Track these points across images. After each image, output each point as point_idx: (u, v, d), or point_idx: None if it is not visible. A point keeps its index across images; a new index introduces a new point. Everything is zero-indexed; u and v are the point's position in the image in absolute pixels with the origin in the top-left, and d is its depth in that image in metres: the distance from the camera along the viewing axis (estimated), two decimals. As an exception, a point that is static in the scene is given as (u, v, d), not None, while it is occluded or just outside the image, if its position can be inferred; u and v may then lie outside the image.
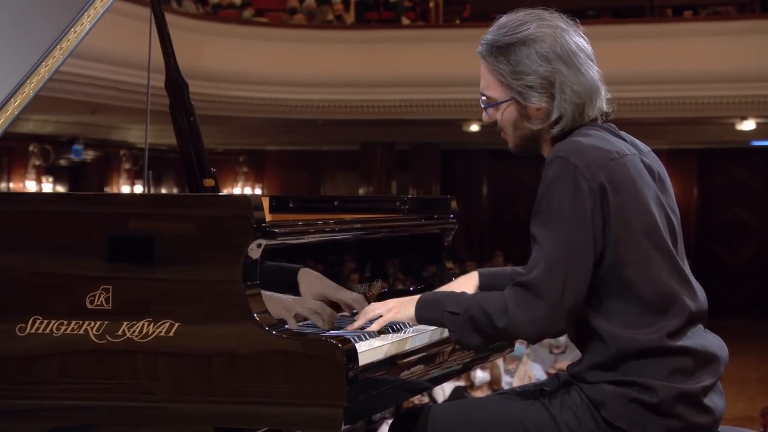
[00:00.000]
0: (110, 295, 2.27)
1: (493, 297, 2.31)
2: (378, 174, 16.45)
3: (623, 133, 2.43)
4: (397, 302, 2.47)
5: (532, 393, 2.44)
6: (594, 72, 2.37)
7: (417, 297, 2.44)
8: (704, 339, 2.34)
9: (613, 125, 2.43)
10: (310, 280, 2.59)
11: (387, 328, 2.51)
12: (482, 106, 2.44)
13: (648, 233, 2.28)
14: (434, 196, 14.85)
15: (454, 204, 3.25)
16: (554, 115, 2.35)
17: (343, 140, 16.82)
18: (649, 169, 2.37)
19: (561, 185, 2.24)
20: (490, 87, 2.41)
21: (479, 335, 2.30)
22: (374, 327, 2.45)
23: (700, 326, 2.36)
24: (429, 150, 17.02)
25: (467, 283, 2.66)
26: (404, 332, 2.51)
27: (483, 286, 2.68)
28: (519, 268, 2.69)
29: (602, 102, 2.40)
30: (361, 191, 16.30)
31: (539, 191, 2.28)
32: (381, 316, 2.46)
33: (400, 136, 15.89)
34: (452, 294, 2.43)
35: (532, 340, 2.34)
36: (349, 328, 2.49)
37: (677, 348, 2.27)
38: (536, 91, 2.34)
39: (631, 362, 2.27)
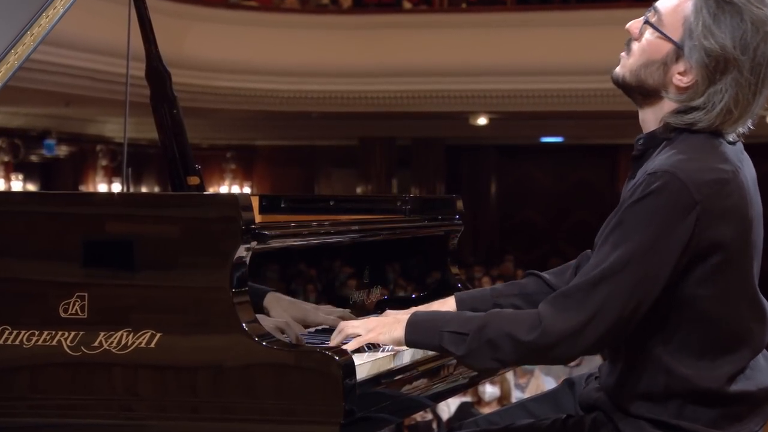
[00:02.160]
0: (86, 303, 2.27)
1: (517, 313, 2.24)
2: (377, 172, 16.45)
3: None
4: (378, 322, 2.39)
5: (552, 427, 2.41)
6: (763, 100, 2.22)
7: (402, 317, 2.37)
8: (763, 373, 2.27)
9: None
10: (282, 305, 2.52)
11: (364, 346, 2.44)
12: (645, 17, 2.26)
13: (744, 269, 2.20)
14: (438, 195, 14.85)
15: (459, 204, 3.25)
16: (697, 100, 2.20)
17: (339, 135, 16.82)
18: (751, 178, 2.25)
19: (662, 200, 2.12)
20: (672, 15, 2.22)
21: (494, 357, 2.21)
22: (349, 347, 2.33)
23: (762, 354, 2.30)
24: (433, 146, 17.03)
25: (439, 308, 2.60)
26: (383, 349, 2.48)
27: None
28: (499, 286, 2.67)
29: (747, 122, 2.25)
30: (358, 190, 16.30)
31: (631, 195, 2.16)
32: (359, 336, 2.37)
33: (401, 130, 15.90)
34: (448, 313, 2.36)
35: (560, 357, 2.21)
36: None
37: (735, 395, 2.21)
38: (705, 60, 2.18)
39: (681, 402, 2.21)
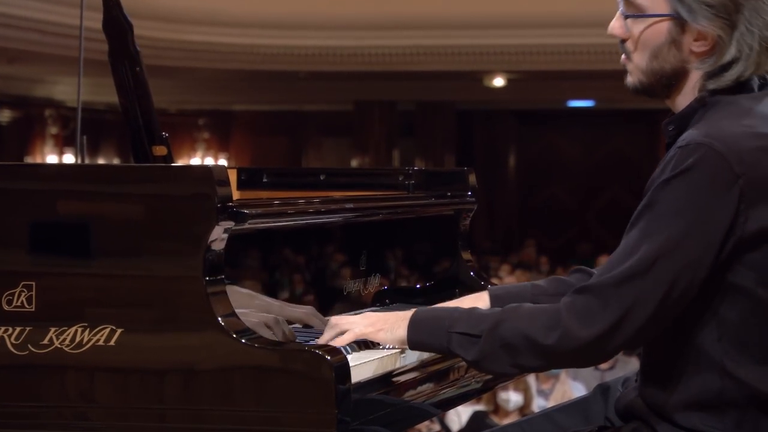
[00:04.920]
0: (33, 293, 2.27)
1: (535, 309, 2.23)
2: (375, 141, 16.46)
3: None
4: (380, 317, 2.40)
5: None
6: None
7: (406, 314, 2.37)
8: None
9: None
10: (241, 300, 2.47)
11: (359, 344, 2.45)
12: (621, 11, 2.29)
13: None
14: (447, 168, 14.86)
15: (472, 178, 3.25)
16: (729, 54, 2.19)
17: (331, 98, 16.81)
18: None
19: (697, 178, 2.12)
20: None
21: (511, 362, 2.22)
22: (341, 341, 2.36)
23: None
24: (440, 111, 17.04)
25: (471, 304, 2.57)
26: (382, 347, 2.49)
27: None
28: (541, 282, 2.67)
29: None
30: (354, 163, 16.31)
31: (662, 173, 2.17)
32: (352, 331, 2.38)
33: (403, 93, 15.89)
34: (456, 310, 2.35)
35: (587, 362, 2.26)
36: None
37: None
38: (711, 12, 2.19)
39: (739, 412, 2.20)
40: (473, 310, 2.34)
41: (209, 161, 17.88)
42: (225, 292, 2.26)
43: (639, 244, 2.16)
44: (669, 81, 2.28)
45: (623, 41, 2.31)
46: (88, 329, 2.24)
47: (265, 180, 3.42)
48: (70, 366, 2.24)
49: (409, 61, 13.30)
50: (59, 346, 2.25)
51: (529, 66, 13.32)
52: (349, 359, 2.24)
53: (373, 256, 2.95)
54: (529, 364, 2.25)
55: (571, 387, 8.57)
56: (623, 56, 2.33)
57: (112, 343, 2.23)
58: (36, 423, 2.27)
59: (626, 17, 2.28)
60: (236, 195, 3.20)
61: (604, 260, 10.69)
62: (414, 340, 2.35)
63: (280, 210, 2.60)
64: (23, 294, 2.27)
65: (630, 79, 2.32)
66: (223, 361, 2.19)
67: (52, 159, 16.25)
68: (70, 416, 2.26)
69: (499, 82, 14.74)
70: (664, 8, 2.24)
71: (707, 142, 2.14)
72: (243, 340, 2.19)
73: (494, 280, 4.12)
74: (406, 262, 3.14)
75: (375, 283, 2.95)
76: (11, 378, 2.27)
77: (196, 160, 17.86)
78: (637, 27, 2.27)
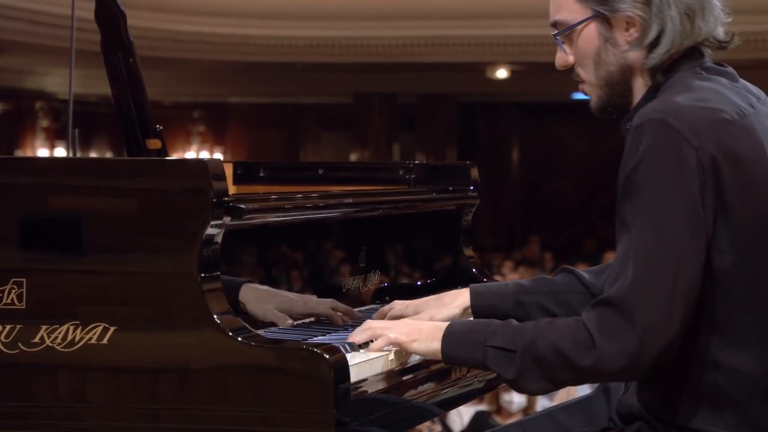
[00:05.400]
0: (24, 290, 2.27)
1: (565, 326, 2.22)
2: (375, 135, 16.45)
3: (743, 82, 2.33)
4: (415, 328, 2.38)
5: None
6: None
7: (441, 325, 2.35)
8: None
9: (730, 68, 2.34)
10: (262, 298, 2.53)
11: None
12: (556, 39, 2.38)
13: None
14: (449, 162, 14.86)
15: (474, 173, 3.25)
16: (653, 30, 2.27)
17: (329, 91, 16.81)
18: None
19: (658, 157, 2.15)
20: (562, 7, 2.36)
21: (548, 381, 2.22)
22: (375, 346, 2.36)
23: None
24: (442, 103, 17.03)
25: (451, 301, 2.62)
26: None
27: (476, 308, 2.63)
28: (524, 281, 2.68)
29: (717, 21, 2.31)
30: (353, 157, 16.31)
31: (625, 166, 2.19)
32: (386, 336, 2.37)
33: (404, 85, 15.89)
34: (492, 323, 2.32)
35: (631, 378, 2.26)
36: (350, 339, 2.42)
37: None
38: None
39: (741, 406, 2.20)
40: (509, 323, 2.30)
41: (204, 155, 17.87)
42: (221, 289, 2.26)
43: (634, 243, 2.16)
44: (621, 84, 2.34)
45: (573, 70, 2.38)
46: (80, 327, 2.24)
47: (261, 174, 3.42)
48: (61, 365, 2.24)
49: (410, 51, 13.29)
50: (50, 344, 2.25)
51: (533, 57, 13.30)
52: (348, 358, 2.24)
53: (372, 252, 2.95)
54: (566, 381, 2.26)
55: (576, 388, 8.57)
56: (579, 84, 2.39)
57: (104, 341, 2.23)
58: (26, 424, 2.27)
59: (560, 39, 2.37)
60: (232, 189, 3.20)
61: (610, 257, 10.69)
62: (449, 354, 2.33)
63: (277, 205, 2.60)
64: (13, 291, 2.28)
65: (592, 103, 2.39)
66: (218, 360, 2.19)
67: (43, 153, 16.25)
68: (61, 416, 2.26)
69: (502, 73, 14.74)
70: (584, 12, 2.33)
71: (658, 117, 2.17)
72: (239, 338, 2.19)
73: (497, 277, 4.12)
74: (406, 259, 3.14)
75: (375, 280, 2.95)
76: (1, 377, 2.27)
77: (191, 154, 17.85)
78: (573, 44, 2.36)
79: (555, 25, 2.38)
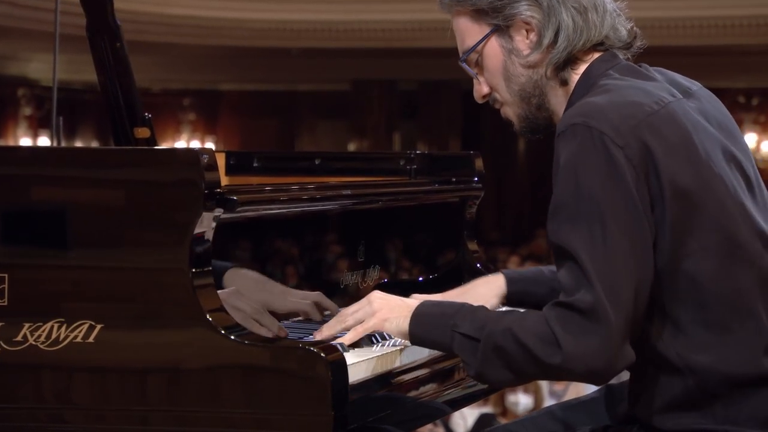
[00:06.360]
0: (6, 286, 2.27)
1: (528, 319, 2.25)
2: (375, 123, 16.46)
3: (657, 72, 2.40)
4: (387, 304, 2.41)
5: None
6: None
7: (412, 304, 2.39)
8: None
9: (644, 65, 2.42)
10: (246, 284, 2.52)
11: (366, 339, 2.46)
12: (469, 71, 2.48)
13: (720, 203, 2.24)
14: (452, 152, 14.85)
15: (479, 163, 3.25)
16: (549, 30, 2.35)
17: (326, 77, 16.80)
18: (704, 115, 2.34)
19: (586, 162, 2.20)
20: (464, 35, 2.46)
21: (510, 371, 2.26)
22: (346, 339, 2.38)
23: None
24: (445, 91, 17.02)
25: (487, 291, 2.65)
26: (383, 344, 2.50)
27: (512, 295, 2.67)
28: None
29: (615, 18, 2.39)
30: (351, 146, 16.31)
31: (555, 179, 2.24)
32: (361, 323, 2.40)
33: (405, 71, 15.89)
34: (464, 307, 2.35)
35: (600, 380, 2.28)
36: (317, 335, 2.44)
37: None
38: (512, 6, 2.38)
39: (721, 402, 2.24)
40: (479, 310, 2.33)
41: (195, 144, 17.88)
42: (213, 285, 2.26)
43: (582, 250, 2.18)
44: (537, 96, 2.42)
45: (493, 98, 2.47)
46: (65, 325, 2.24)
47: (255, 164, 3.42)
48: (45, 364, 2.24)
49: (411, 36, 13.29)
50: (34, 342, 2.25)
51: (541, 42, 13.30)
52: (346, 357, 2.24)
53: (372, 246, 2.95)
54: (532, 375, 2.31)
55: (585, 388, 8.58)
56: (500, 111, 2.47)
57: (90, 339, 2.23)
58: (8, 426, 2.27)
59: (473, 71, 2.48)
60: (225, 181, 3.20)
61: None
62: (416, 334, 2.36)
63: (271, 197, 2.60)
64: (-5, 287, 2.28)
65: (515, 124, 2.47)
66: (210, 359, 2.20)
67: (25, 142, 16.25)
68: (45, 418, 2.26)
69: (508, 59, 14.73)
70: (482, 30, 2.44)
71: (580, 121, 2.22)
72: (232, 337, 2.19)
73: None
74: (407, 253, 3.15)
75: (374, 276, 2.95)
76: (-18, 377, 2.28)
77: (181, 143, 17.86)
78: (480, 65, 2.46)
79: (462, 51, 2.48)
